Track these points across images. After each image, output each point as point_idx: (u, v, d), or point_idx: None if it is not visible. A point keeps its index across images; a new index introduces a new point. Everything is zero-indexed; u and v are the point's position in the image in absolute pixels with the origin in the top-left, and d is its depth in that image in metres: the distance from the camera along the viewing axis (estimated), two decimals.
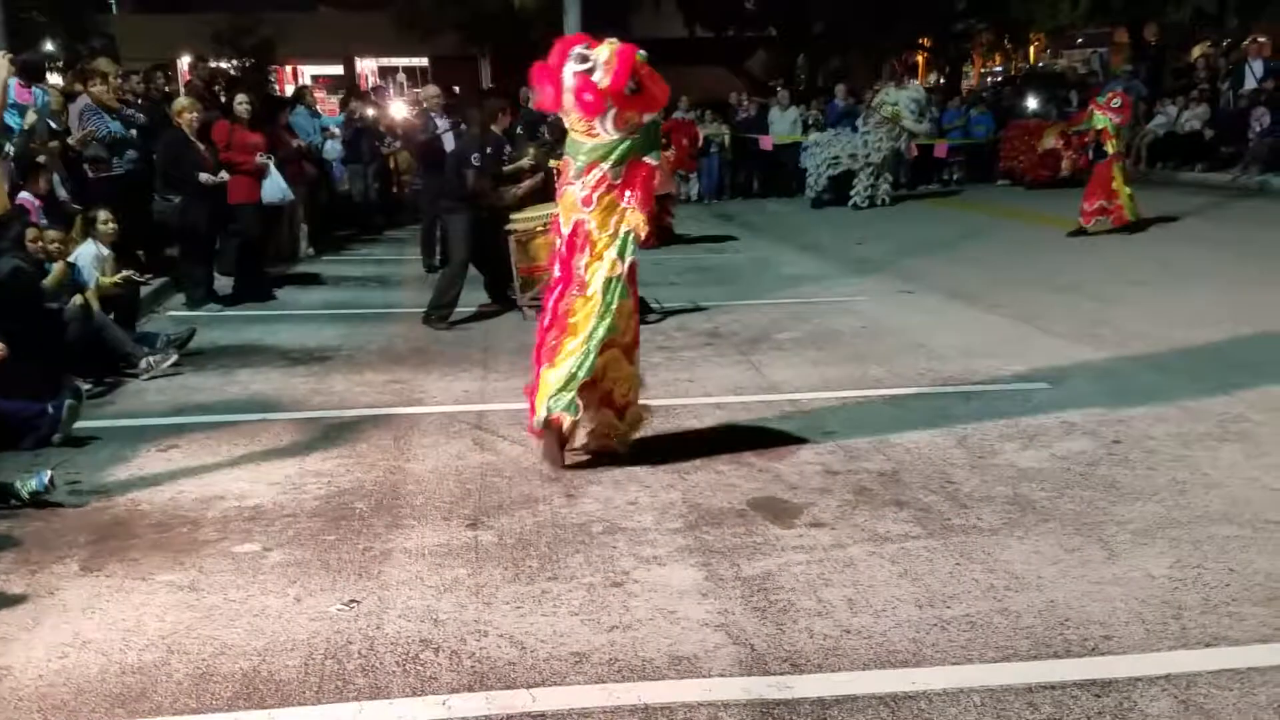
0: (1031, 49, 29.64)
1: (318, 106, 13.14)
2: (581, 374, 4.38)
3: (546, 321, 4.52)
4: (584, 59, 4.16)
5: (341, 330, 7.47)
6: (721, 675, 2.88)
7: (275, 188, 8.87)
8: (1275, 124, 14.22)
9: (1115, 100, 11.10)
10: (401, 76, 29.51)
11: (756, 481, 4.32)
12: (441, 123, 9.76)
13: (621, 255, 4.36)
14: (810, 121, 16.26)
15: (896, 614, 3.19)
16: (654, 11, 23.25)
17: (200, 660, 3.00)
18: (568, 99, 4.23)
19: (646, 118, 4.32)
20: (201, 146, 8.14)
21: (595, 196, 4.32)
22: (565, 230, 4.44)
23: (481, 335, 7.28)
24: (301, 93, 12.68)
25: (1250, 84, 15.05)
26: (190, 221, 8.14)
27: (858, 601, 3.27)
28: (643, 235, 4.38)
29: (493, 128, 7.84)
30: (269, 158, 8.84)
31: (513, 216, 7.69)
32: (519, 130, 10.01)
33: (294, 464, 4.66)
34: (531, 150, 8.12)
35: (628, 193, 4.33)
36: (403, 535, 3.86)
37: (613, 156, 4.28)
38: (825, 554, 3.61)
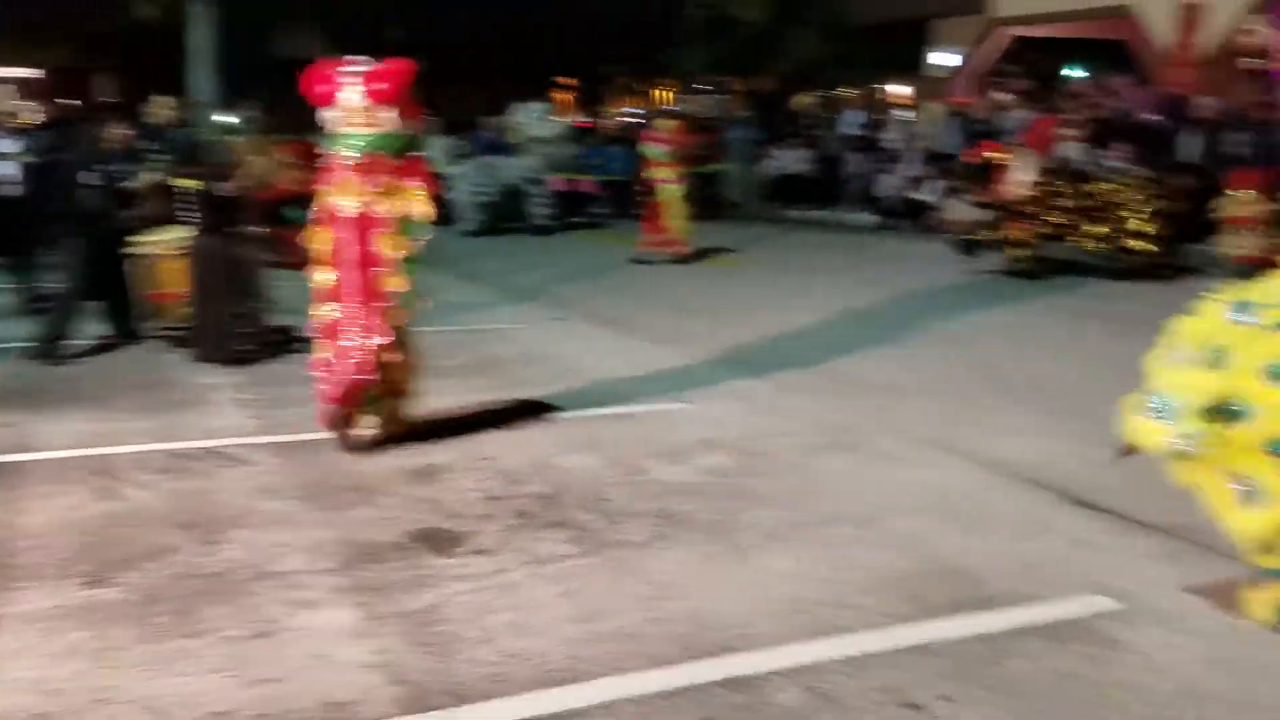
0: (663, 92, 31.68)
1: None
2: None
3: (346, 298, 4.83)
4: (361, 63, 4.73)
5: None
6: (381, 717, 2.80)
7: None
8: (864, 168, 16.18)
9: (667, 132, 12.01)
10: (14, 88, 26.28)
11: (416, 512, 4.26)
12: (7, 143, 8.74)
13: (410, 236, 4.84)
14: (459, 152, 16.35)
15: (557, 633, 3.26)
16: (296, 34, 22.40)
17: None
18: (347, 94, 4.67)
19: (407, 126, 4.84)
20: None
21: (379, 181, 4.74)
22: (347, 215, 4.77)
23: (101, 370, 6.62)
24: None
25: (845, 130, 17.03)
26: None
27: (520, 625, 3.31)
28: (431, 217, 4.87)
29: (106, 143, 7.18)
30: None
31: (136, 240, 7.07)
32: (137, 147, 9.22)
33: None
34: (150, 168, 7.51)
35: (411, 180, 4.82)
36: (12, 600, 3.42)
37: (394, 145, 4.75)
38: (488, 581, 3.63)
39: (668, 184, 11.84)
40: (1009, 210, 10.64)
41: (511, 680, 2.98)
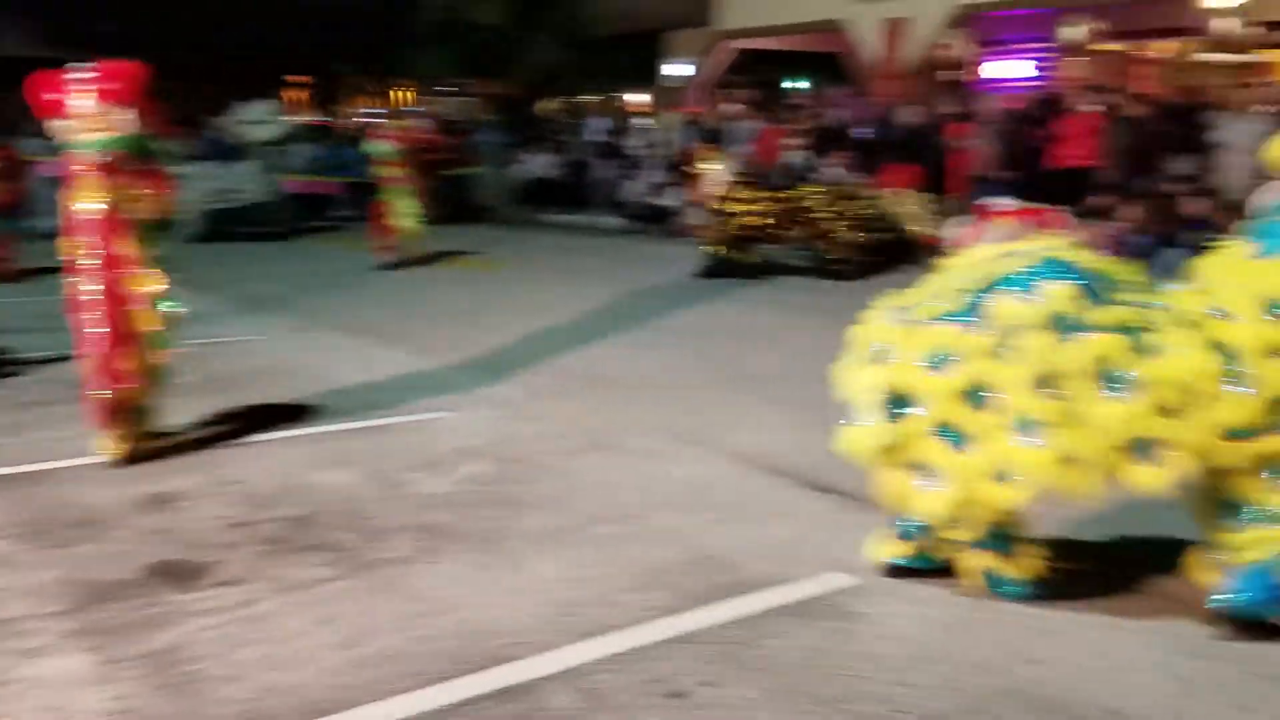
0: (405, 94, 31.05)
1: None
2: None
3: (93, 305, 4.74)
4: (87, 69, 4.66)
5: None
6: None
7: None
8: (610, 173, 16.56)
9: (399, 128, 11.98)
10: None
11: (152, 545, 3.98)
12: None
13: (148, 239, 4.84)
14: (183, 154, 15.37)
15: (317, 662, 3.15)
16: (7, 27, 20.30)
17: None
18: (79, 101, 4.60)
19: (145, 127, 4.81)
20: None
21: (120, 183, 4.70)
22: (90, 219, 4.69)
23: None
24: None
25: (590, 137, 17.36)
26: None
27: (275, 657, 3.17)
28: (171, 218, 4.99)
29: None
30: None
31: None
32: None
33: None
34: None
35: (149, 181, 4.80)
36: None
37: (132, 146, 4.72)
38: (236, 613, 3.44)
39: (394, 184, 11.67)
40: (708, 211, 11.18)
41: (268, 717, 2.86)
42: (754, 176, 11.69)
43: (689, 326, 8.63)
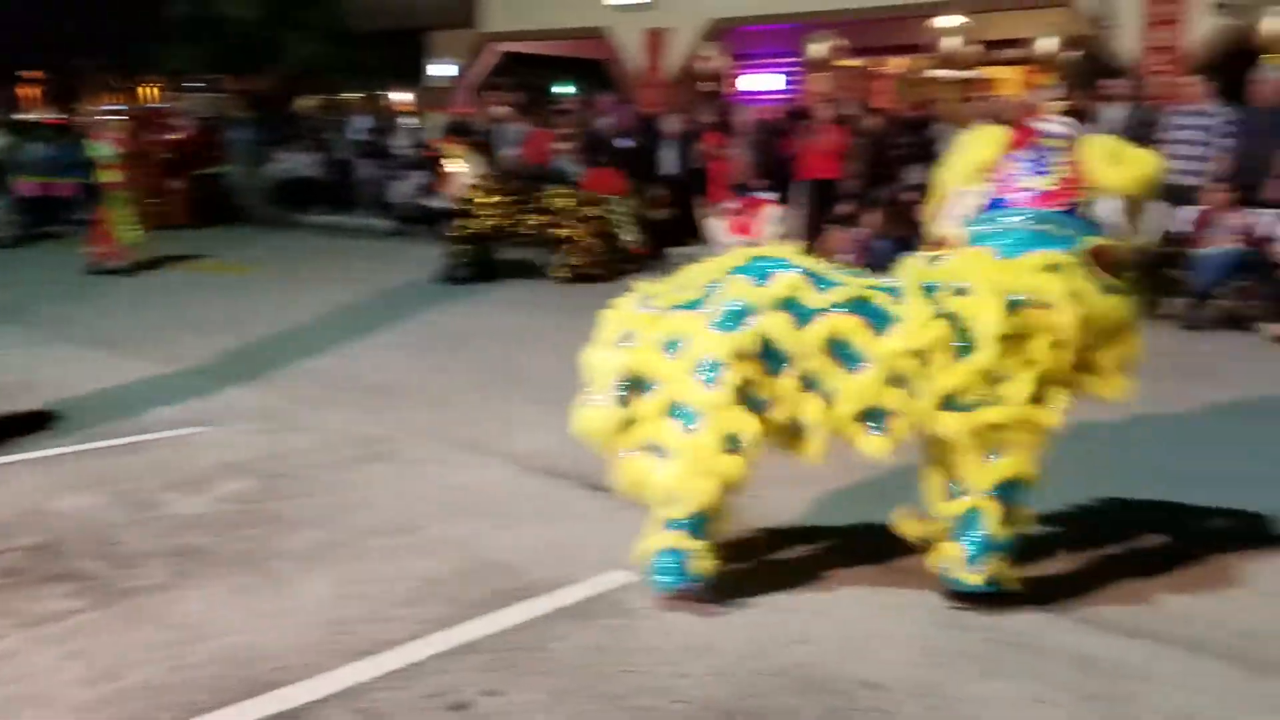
0: (154, 91, 29.06)
1: None
2: None
3: None
4: None
5: None
6: None
7: None
8: (375, 173, 16.10)
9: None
10: None
11: None
12: None
13: None
14: None
15: (66, 700, 2.91)
16: None
17: None
18: None
19: None
20: None
21: None
22: None
23: None
24: None
25: (355, 136, 16.81)
26: None
27: (19, 698, 2.91)
28: None
29: None
30: None
31: None
32: None
33: None
34: None
35: None
36: None
37: None
38: None
39: (114, 186, 11.02)
40: (454, 209, 11.12)
41: None
42: (500, 176, 11.65)
43: (457, 330, 8.54)
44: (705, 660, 3.24)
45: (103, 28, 20.34)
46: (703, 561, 3.50)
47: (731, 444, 3.39)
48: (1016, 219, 3.53)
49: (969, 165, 3.67)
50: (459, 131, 13.23)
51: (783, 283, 3.40)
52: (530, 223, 10.96)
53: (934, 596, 3.64)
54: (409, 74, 19.94)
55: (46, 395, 6.06)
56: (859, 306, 3.41)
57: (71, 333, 7.97)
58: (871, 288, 3.48)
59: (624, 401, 3.49)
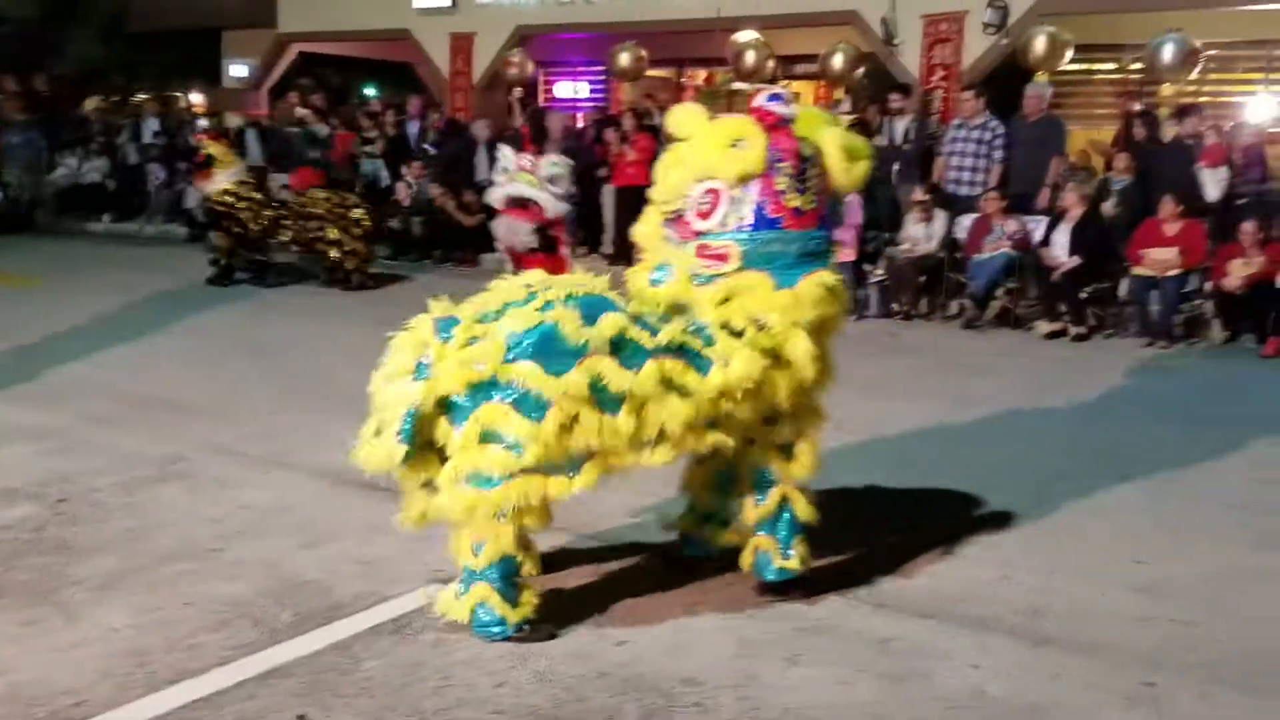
0: None
1: None
2: None
3: None
4: None
5: None
6: None
7: None
8: (170, 177, 15.25)
9: None
10: None
11: None
12: None
13: None
14: None
15: None
16: None
17: None
18: None
19: None
20: None
21: None
22: None
23: None
24: None
25: (147, 139, 15.84)
26: None
27: None
28: None
29: None
30: None
31: None
32: None
33: None
34: None
35: None
36: None
37: None
38: None
39: None
40: (214, 208, 10.80)
41: None
42: (258, 180, 11.43)
43: (257, 339, 8.22)
44: (528, 668, 3.25)
45: None
46: (521, 609, 3.39)
47: (555, 468, 3.30)
48: (792, 244, 3.51)
49: (735, 172, 3.50)
50: (219, 131, 12.65)
51: (610, 323, 3.31)
52: (293, 226, 10.72)
53: (744, 592, 3.78)
54: (207, 74, 18.97)
55: None
56: (680, 350, 3.41)
57: None
58: (686, 330, 3.47)
59: (414, 436, 3.30)
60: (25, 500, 4.53)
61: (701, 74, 16.13)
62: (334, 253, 10.62)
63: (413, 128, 14.11)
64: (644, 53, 13.60)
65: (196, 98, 19.43)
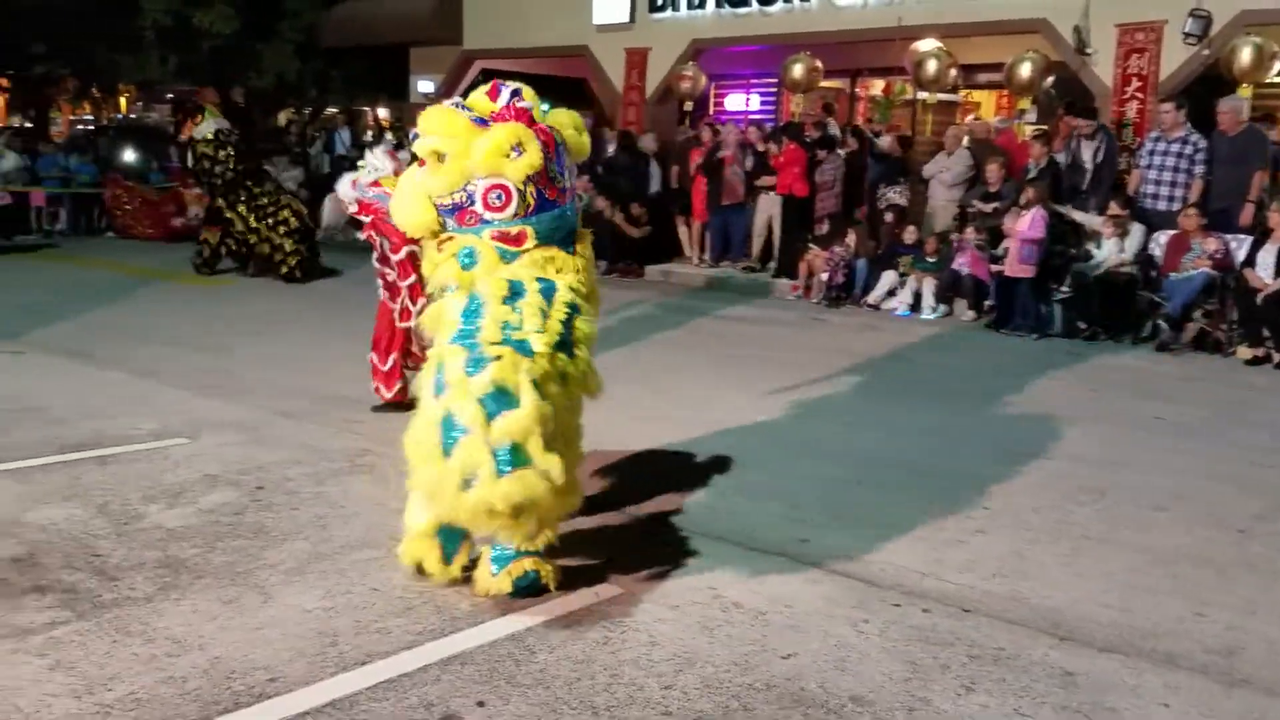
0: (122, 100, 28.84)
1: None
2: None
3: None
4: None
5: None
6: None
7: None
8: None
9: None
10: None
11: None
12: None
13: None
14: None
15: (51, 712, 2.88)
16: None
17: None
18: None
19: None
20: None
21: None
22: None
23: None
24: None
25: (340, 150, 16.74)
26: None
27: (4, 711, 2.87)
28: None
29: None
30: None
31: None
32: None
33: None
34: None
35: None
36: None
37: None
38: None
39: None
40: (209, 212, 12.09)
41: None
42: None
43: None
44: (695, 673, 3.25)
45: (72, 36, 19.97)
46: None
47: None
48: (568, 219, 3.94)
49: (523, 174, 3.73)
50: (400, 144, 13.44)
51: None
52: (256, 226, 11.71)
53: (913, 612, 3.68)
54: (393, 89, 19.90)
55: (19, 406, 6.02)
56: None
57: (43, 344, 7.88)
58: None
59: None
60: (226, 486, 4.84)
61: (878, 84, 15.83)
62: (277, 253, 11.76)
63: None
64: (818, 63, 13.48)
65: (383, 111, 20.40)
